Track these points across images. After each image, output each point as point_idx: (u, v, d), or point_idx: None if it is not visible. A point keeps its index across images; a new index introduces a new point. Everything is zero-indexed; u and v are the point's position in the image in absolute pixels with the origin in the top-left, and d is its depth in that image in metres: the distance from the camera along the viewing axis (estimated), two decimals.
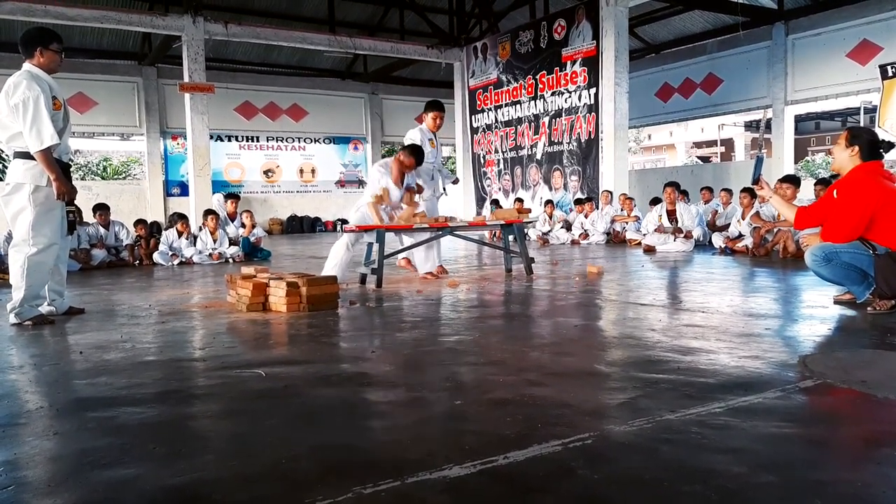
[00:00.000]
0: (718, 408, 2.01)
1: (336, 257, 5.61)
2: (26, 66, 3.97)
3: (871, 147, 3.73)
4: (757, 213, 7.58)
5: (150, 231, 9.16)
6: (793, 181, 7.47)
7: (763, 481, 1.50)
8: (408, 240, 5.91)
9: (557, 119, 12.53)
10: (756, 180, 4.07)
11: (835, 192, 3.80)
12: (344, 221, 16.64)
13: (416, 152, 5.84)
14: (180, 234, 8.64)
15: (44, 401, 2.33)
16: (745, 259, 7.10)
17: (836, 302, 3.92)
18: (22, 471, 1.67)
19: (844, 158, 3.78)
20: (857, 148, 3.73)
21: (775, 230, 7.37)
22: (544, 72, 12.72)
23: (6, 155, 4.06)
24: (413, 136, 6.42)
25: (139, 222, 8.93)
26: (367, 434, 1.92)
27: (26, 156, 3.85)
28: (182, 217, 8.95)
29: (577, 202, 11.22)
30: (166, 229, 9.07)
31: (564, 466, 1.61)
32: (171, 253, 8.49)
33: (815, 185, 8.38)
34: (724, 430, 1.83)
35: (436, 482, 1.53)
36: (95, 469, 1.67)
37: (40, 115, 3.76)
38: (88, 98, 15.58)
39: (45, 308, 4.10)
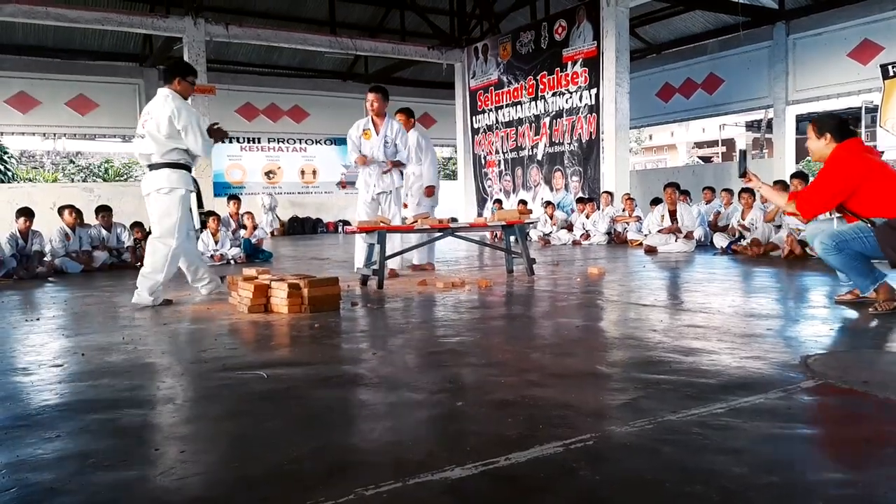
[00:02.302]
0: (720, 408, 2.01)
1: (360, 248, 6.15)
2: (167, 90, 4.70)
3: (840, 129, 3.76)
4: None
5: (150, 232, 9.16)
6: (801, 177, 7.58)
7: (764, 482, 1.50)
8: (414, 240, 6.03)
9: (558, 120, 12.52)
10: (743, 173, 4.10)
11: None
12: (345, 223, 16.72)
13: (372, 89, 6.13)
14: None
15: (46, 402, 2.33)
16: (747, 259, 7.09)
17: (838, 302, 3.92)
18: (24, 473, 1.67)
19: (820, 148, 3.81)
20: (828, 135, 3.76)
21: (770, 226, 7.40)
22: (545, 72, 12.71)
23: (143, 166, 4.80)
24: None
25: (135, 225, 8.93)
26: (369, 435, 1.92)
27: (177, 166, 4.66)
28: None
29: (579, 201, 11.22)
30: None
31: (566, 467, 1.61)
32: None
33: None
34: (726, 431, 1.83)
35: (437, 483, 1.53)
36: (98, 471, 1.68)
37: (205, 133, 4.69)
38: (89, 100, 15.59)
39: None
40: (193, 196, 4.78)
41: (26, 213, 7.68)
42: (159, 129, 4.58)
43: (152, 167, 4.67)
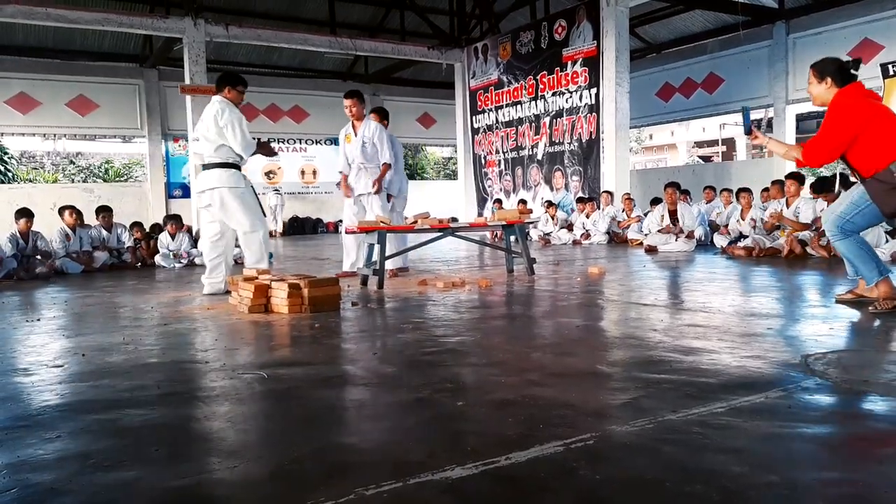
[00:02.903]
0: (720, 408, 2.01)
1: (349, 248, 6.34)
2: (218, 97, 5.12)
3: (841, 73, 3.73)
4: (780, 214, 7.42)
5: (151, 231, 9.17)
6: (797, 178, 7.56)
7: (765, 481, 1.50)
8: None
9: (558, 119, 12.51)
10: (749, 130, 4.08)
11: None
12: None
13: (347, 95, 6.22)
14: (172, 236, 8.65)
15: (46, 403, 2.33)
16: (747, 259, 7.09)
17: (839, 301, 3.92)
18: (25, 473, 1.67)
19: (822, 93, 3.77)
20: (829, 79, 3.73)
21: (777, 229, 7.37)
22: (545, 72, 12.71)
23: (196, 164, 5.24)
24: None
25: (134, 225, 8.94)
26: (370, 435, 1.92)
27: (224, 165, 5.02)
28: (172, 218, 8.96)
29: (580, 201, 11.22)
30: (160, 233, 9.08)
31: (566, 467, 1.61)
32: (171, 254, 8.51)
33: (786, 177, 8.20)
34: (726, 430, 1.83)
35: (438, 483, 1.54)
36: (98, 471, 1.68)
37: (245, 132, 5.03)
38: (90, 100, 15.60)
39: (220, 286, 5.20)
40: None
41: (26, 213, 7.68)
42: (208, 129, 5.01)
43: (205, 167, 5.09)
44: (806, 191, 7.90)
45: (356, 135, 6.27)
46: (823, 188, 7.06)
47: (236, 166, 5.09)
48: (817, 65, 3.82)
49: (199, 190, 5.16)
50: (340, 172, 6.43)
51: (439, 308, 4.30)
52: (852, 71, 3.75)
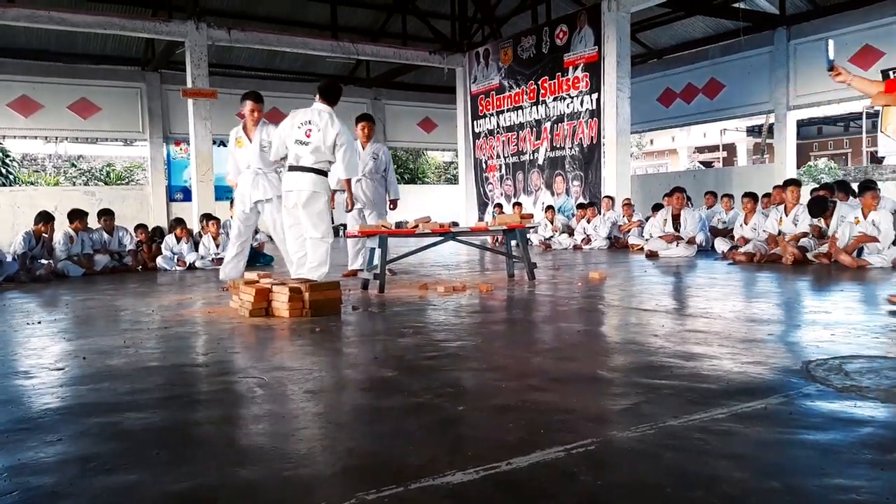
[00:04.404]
0: (721, 413, 2.01)
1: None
2: (331, 109, 5.36)
3: None
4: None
5: (153, 235, 9.18)
6: (797, 184, 7.58)
7: (766, 487, 1.50)
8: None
9: (559, 124, 12.53)
10: (831, 67, 3.77)
11: None
12: (344, 226, 16.72)
13: (251, 98, 6.01)
14: (178, 239, 8.67)
15: (47, 406, 2.33)
16: (749, 265, 7.08)
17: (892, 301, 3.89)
18: (25, 476, 1.67)
19: None
20: None
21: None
22: (546, 77, 12.72)
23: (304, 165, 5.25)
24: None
25: (139, 227, 8.95)
26: (370, 440, 1.92)
27: (323, 173, 5.21)
28: (180, 222, 8.98)
29: (580, 206, 11.23)
30: (167, 234, 9.10)
31: (567, 472, 1.61)
32: (175, 258, 8.51)
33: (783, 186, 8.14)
34: (727, 436, 1.83)
35: (438, 488, 1.53)
36: (98, 475, 1.68)
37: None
38: (91, 104, 15.61)
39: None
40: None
41: (45, 217, 7.78)
42: (325, 142, 5.17)
43: (302, 169, 5.16)
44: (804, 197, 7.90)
45: (251, 140, 5.85)
46: (818, 210, 7.02)
47: (326, 174, 5.27)
48: None
49: (289, 189, 5.20)
50: (229, 181, 6.01)
51: (440, 312, 4.30)
52: None
